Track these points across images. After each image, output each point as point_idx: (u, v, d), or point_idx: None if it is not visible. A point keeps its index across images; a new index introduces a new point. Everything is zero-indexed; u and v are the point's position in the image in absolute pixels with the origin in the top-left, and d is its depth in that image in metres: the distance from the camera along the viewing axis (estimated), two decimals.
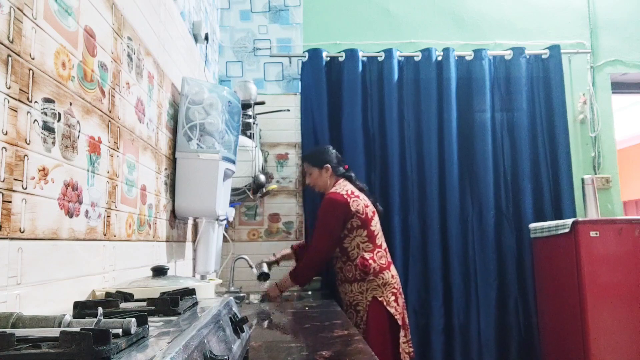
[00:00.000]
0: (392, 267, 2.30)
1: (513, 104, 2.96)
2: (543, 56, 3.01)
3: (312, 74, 2.91)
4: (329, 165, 2.38)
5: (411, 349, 2.24)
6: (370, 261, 2.21)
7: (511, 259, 2.84)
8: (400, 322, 2.18)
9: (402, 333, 2.19)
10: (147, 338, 0.57)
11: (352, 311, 2.20)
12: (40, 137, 0.85)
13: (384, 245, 2.33)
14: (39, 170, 0.84)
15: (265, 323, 1.73)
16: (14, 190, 0.77)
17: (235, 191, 2.41)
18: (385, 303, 2.17)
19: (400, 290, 2.29)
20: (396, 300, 2.21)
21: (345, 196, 2.23)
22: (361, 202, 2.26)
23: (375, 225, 2.29)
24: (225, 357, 0.62)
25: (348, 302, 2.24)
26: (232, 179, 2.13)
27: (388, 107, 2.88)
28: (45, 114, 0.87)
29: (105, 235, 1.13)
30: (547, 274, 2.71)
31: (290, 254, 2.64)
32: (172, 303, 0.76)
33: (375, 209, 2.34)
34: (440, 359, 2.73)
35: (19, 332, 0.51)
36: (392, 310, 2.17)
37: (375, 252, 2.24)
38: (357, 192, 2.29)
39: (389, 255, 2.33)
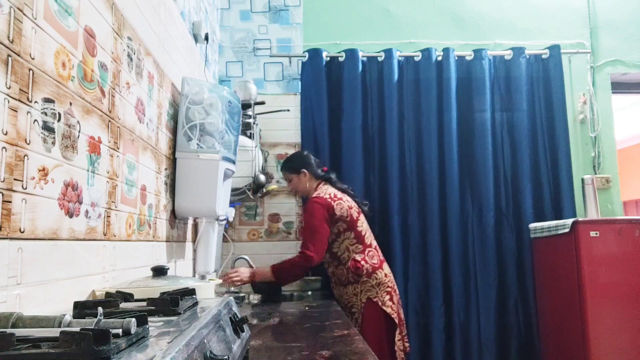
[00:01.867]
0: (385, 265, 2.29)
1: (513, 104, 2.96)
2: (543, 56, 3.01)
3: (312, 74, 2.91)
4: (305, 170, 2.38)
5: (407, 344, 2.24)
6: (362, 262, 2.21)
7: (511, 259, 2.84)
8: (397, 320, 2.18)
9: (397, 331, 2.18)
10: (147, 338, 0.57)
11: (347, 313, 2.19)
12: (40, 137, 0.85)
13: (374, 243, 2.33)
14: (39, 170, 0.84)
15: (265, 323, 1.73)
16: (14, 190, 0.77)
17: (235, 191, 2.41)
18: (380, 303, 2.17)
19: (395, 287, 2.28)
20: (391, 299, 2.21)
21: (329, 199, 2.23)
22: (345, 204, 2.25)
23: (362, 225, 2.29)
24: (225, 357, 0.62)
25: (343, 304, 2.24)
26: (232, 179, 2.13)
27: (388, 107, 2.88)
28: (45, 114, 0.87)
29: (105, 235, 1.13)
30: (547, 274, 2.71)
31: None
32: (172, 303, 0.76)
33: (360, 209, 2.33)
34: (440, 358, 2.74)
35: (19, 332, 0.51)
36: (388, 310, 2.17)
37: (366, 252, 2.24)
38: (339, 195, 2.29)
39: (380, 253, 2.33)
